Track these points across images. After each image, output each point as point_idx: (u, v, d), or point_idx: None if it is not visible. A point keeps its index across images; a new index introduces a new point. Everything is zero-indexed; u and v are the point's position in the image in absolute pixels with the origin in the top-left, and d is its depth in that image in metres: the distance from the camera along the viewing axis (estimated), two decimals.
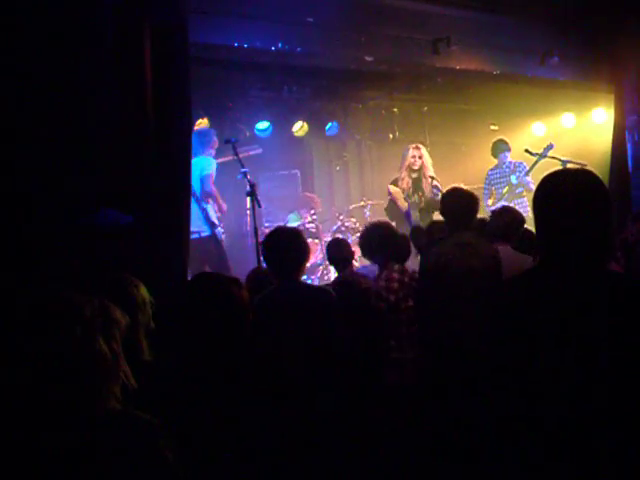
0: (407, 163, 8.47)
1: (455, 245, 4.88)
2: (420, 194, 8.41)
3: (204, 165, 7.91)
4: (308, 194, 10.85)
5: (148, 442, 1.99)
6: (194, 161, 8.04)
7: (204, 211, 7.94)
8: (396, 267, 5.10)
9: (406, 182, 8.44)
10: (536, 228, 2.46)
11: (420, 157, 8.46)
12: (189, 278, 5.10)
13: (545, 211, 2.43)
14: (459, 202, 5.01)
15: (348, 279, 5.14)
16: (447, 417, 4.53)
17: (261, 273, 4.92)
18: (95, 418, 1.96)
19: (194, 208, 7.99)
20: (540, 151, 8.84)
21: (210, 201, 7.91)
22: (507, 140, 9.93)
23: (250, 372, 2.79)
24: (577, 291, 2.32)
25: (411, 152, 8.49)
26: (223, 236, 8.13)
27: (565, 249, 2.34)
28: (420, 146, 8.64)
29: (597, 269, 2.35)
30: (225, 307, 2.85)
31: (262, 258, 4.60)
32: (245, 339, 2.89)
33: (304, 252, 4.34)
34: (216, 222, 7.95)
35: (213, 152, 8.13)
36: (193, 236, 8.04)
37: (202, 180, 7.90)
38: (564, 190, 2.37)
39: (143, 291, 3.21)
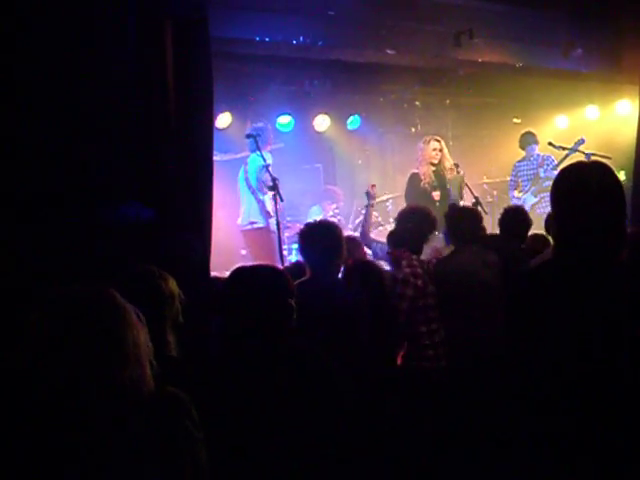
0: (428, 157, 8.24)
1: (471, 256, 5.21)
2: (446, 187, 8.23)
3: (260, 159, 7.93)
4: (331, 187, 10.82)
5: (178, 415, 2.04)
6: (252, 157, 8.12)
7: (260, 202, 8.06)
8: (414, 257, 5.18)
9: (429, 176, 8.21)
10: (554, 220, 2.50)
11: (441, 150, 8.26)
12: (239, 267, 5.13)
13: (563, 204, 2.48)
14: (464, 221, 5.37)
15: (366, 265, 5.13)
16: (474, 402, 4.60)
17: (300, 266, 4.96)
18: (139, 397, 2.00)
19: (251, 200, 8.22)
20: (565, 144, 8.77)
21: (267, 192, 7.92)
22: (535, 132, 9.87)
23: (287, 369, 2.78)
24: (595, 281, 2.35)
25: (432, 145, 8.25)
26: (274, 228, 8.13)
27: (583, 240, 2.37)
28: (439, 138, 8.42)
29: (613, 259, 2.39)
30: (275, 299, 2.84)
31: (298, 250, 4.64)
32: (290, 332, 2.88)
33: (336, 246, 4.35)
34: (271, 213, 7.95)
35: (269, 147, 8.18)
36: (246, 227, 8.18)
37: (258, 171, 8.05)
38: (579, 183, 2.42)
39: (172, 285, 3.20)
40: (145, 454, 1.96)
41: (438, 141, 8.35)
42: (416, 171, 8.38)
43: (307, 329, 3.82)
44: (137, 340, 2.06)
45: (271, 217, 8.02)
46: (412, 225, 5.41)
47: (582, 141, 8.78)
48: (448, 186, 8.22)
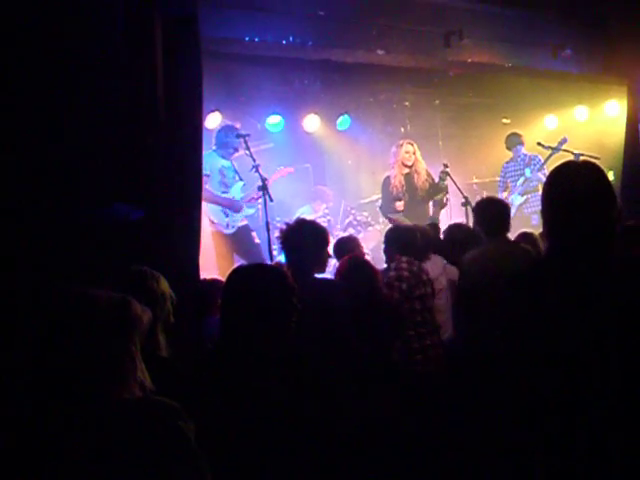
0: (400, 159, 8.43)
1: (496, 251, 5.03)
2: (415, 191, 8.37)
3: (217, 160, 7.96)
4: (320, 187, 10.81)
5: (169, 424, 1.99)
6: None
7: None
8: (404, 259, 5.15)
9: (399, 180, 8.39)
10: (544, 219, 2.51)
11: (414, 153, 8.43)
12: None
13: (552, 203, 2.48)
14: (496, 211, 5.23)
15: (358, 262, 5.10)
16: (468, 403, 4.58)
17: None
18: (115, 404, 1.98)
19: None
20: (554, 145, 8.81)
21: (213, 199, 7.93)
22: (520, 133, 9.92)
23: (287, 371, 2.76)
24: (586, 278, 2.36)
25: (405, 148, 8.44)
26: (226, 231, 8.05)
27: (573, 239, 2.37)
28: (412, 142, 8.60)
29: (604, 255, 2.40)
30: (278, 297, 2.81)
31: (280, 249, 4.61)
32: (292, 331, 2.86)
33: (319, 245, 4.32)
34: (213, 219, 7.94)
35: (232, 151, 8.06)
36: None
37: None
38: (571, 182, 2.43)
39: (163, 285, 3.19)
40: (130, 461, 1.93)
41: (411, 144, 8.52)
42: (388, 174, 8.56)
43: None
44: (136, 348, 2.06)
45: (215, 224, 7.97)
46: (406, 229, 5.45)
47: (565, 140, 8.86)
48: (419, 191, 8.33)
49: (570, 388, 2.29)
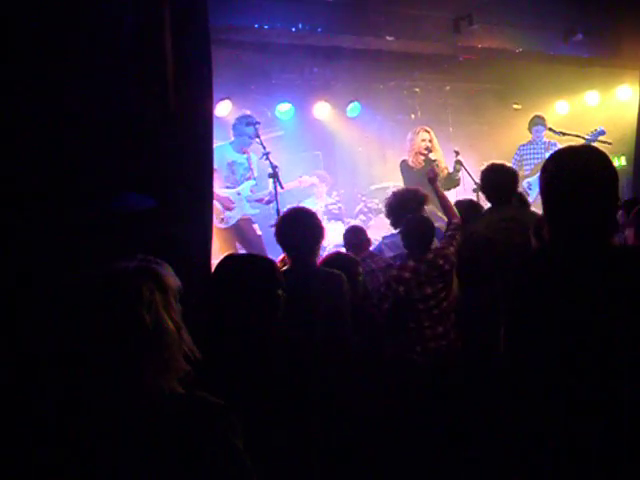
0: (417, 147, 8.20)
1: (500, 221, 4.87)
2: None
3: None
4: (319, 171, 10.52)
5: (216, 425, 1.92)
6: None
7: None
8: (411, 259, 5.03)
9: (419, 162, 8.14)
10: (543, 206, 2.47)
11: (430, 140, 8.20)
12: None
13: (550, 189, 2.43)
14: (501, 177, 5.09)
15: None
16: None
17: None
18: (160, 400, 1.92)
19: None
20: (565, 130, 8.67)
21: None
22: (543, 116, 9.76)
23: (275, 358, 2.78)
24: (585, 266, 2.33)
25: (421, 135, 8.22)
26: (220, 225, 7.79)
27: (571, 226, 2.34)
28: (429, 129, 8.36)
29: (602, 244, 2.36)
30: (264, 288, 2.85)
31: (276, 241, 4.54)
32: (277, 322, 2.88)
33: (314, 233, 4.30)
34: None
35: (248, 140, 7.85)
36: None
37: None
38: (567, 169, 2.39)
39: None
40: (174, 461, 1.88)
41: (427, 131, 8.29)
42: (405, 158, 8.32)
43: (292, 320, 3.82)
44: (165, 327, 2.00)
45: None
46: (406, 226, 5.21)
47: (602, 132, 8.50)
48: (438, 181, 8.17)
49: (574, 381, 2.27)
